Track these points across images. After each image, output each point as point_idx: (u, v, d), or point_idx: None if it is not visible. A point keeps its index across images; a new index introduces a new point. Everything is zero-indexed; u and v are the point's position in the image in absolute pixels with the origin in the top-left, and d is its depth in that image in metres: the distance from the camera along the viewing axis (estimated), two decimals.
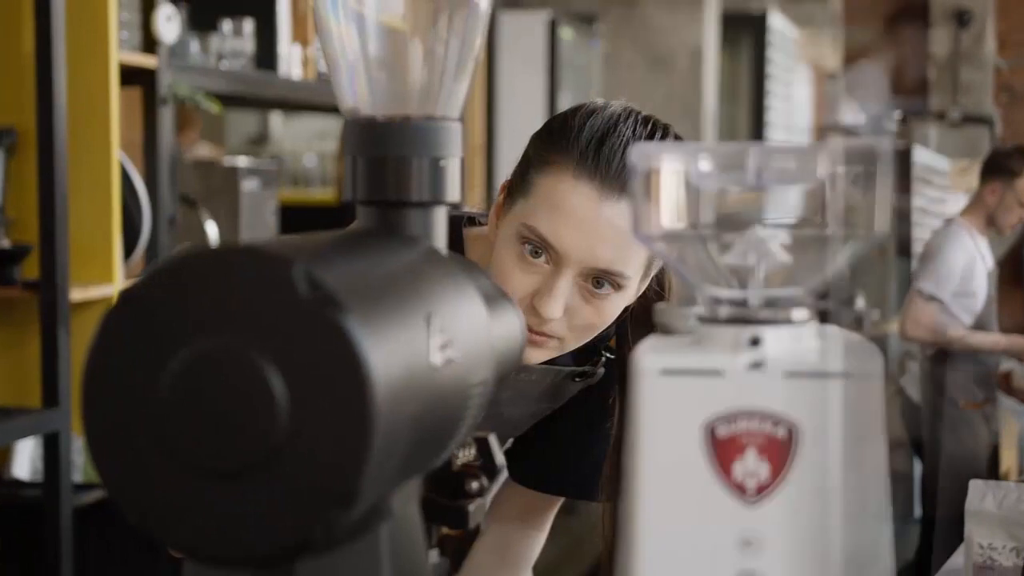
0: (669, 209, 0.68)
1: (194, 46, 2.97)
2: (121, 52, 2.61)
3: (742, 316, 0.67)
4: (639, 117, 1.27)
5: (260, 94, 3.31)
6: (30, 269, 2.42)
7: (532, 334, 1.26)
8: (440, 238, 0.76)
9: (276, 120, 6.29)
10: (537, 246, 1.24)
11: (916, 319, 4.39)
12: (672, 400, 0.65)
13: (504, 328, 0.81)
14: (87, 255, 2.50)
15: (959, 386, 4.39)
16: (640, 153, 0.67)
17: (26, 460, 2.91)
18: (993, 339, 4.59)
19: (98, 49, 2.51)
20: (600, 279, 1.24)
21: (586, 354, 1.42)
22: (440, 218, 0.77)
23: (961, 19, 8.29)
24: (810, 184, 0.67)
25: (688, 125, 5.68)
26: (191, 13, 3.01)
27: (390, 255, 0.70)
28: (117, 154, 2.55)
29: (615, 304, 1.27)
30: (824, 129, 8.15)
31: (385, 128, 0.74)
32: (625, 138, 1.24)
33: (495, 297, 0.81)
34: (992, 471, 4.39)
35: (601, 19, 5.69)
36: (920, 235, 7.01)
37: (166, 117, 2.76)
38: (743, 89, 7.33)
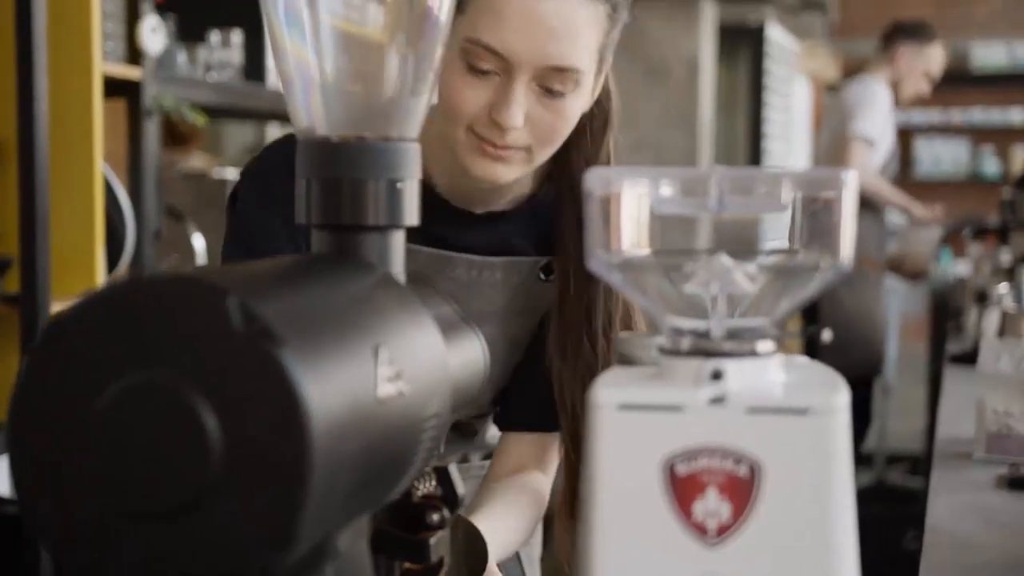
0: (629, 235, 0.65)
1: (181, 57, 2.94)
2: (105, 63, 2.58)
3: (704, 348, 0.64)
4: None
5: (248, 106, 3.28)
6: (11, 282, 2.39)
7: (497, 149, 1.24)
8: (397, 263, 0.74)
9: (273, 130, 6.26)
10: (483, 59, 1.22)
11: (862, 168, 4.30)
12: (630, 436, 0.63)
13: (463, 356, 0.78)
14: (69, 268, 2.47)
15: (863, 243, 4.36)
16: (598, 177, 0.65)
17: (6, 476, 2.88)
18: (905, 199, 4.63)
19: (81, 60, 2.48)
20: (554, 81, 1.23)
21: (548, 245, 1.40)
22: (398, 242, 0.74)
23: None
24: (774, 211, 0.64)
25: (685, 137, 5.66)
26: (179, 24, 2.98)
27: (340, 283, 0.67)
28: (100, 166, 2.52)
29: (573, 105, 1.26)
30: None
31: (340, 149, 0.72)
32: None
33: (454, 325, 0.79)
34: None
35: None
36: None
37: (151, 129, 2.74)
38: (741, 101, 7.30)
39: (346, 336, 0.61)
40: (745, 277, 0.64)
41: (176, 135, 3.75)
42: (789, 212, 0.64)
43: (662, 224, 0.66)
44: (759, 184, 0.64)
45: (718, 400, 0.62)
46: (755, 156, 7.24)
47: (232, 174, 3.26)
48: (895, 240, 4.67)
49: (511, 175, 1.28)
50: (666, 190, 0.65)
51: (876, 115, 4.32)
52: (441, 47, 0.75)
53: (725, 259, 0.64)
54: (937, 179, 9.33)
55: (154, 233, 2.73)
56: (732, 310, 0.65)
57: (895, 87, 4.43)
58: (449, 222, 1.37)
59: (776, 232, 0.66)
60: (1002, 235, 3.92)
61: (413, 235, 1.25)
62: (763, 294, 0.65)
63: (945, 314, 4.44)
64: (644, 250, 0.66)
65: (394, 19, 0.76)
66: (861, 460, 5.16)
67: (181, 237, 2.95)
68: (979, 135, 9.42)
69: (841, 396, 0.62)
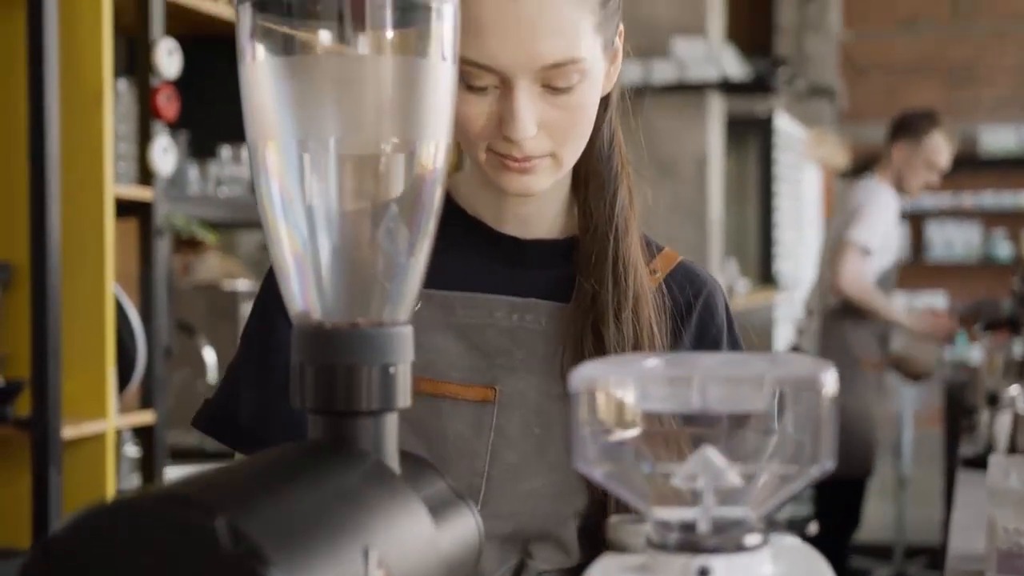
0: (613, 432, 0.66)
1: (192, 172, 2.98)
2: (117, 185, 2.61)
3: (691, 543, 0.65)
4: None
5: (259, 218, 3.30)
6: (22, 406, 2.41)
7: (519, 163, 1.17)
8: (390, 446, 0.75)
9: None
10: (476, 77, 1.13)
11: (853, 274, 4.30)
12: None
13: (455, 535, 0.78)
14: (80, 391, 2.49)
15: (861, 343, 4.34)
16: (582, 377, 0.66)
17: None
18: (910, 318, 4.60)
19: (94, 183, 2.52)
20: (556, 79, 1.14)
21: None
22: (391, 425, 0.75)
23: None
24: (756, 407, 0.65)
25: (695, 230, 5.68)
26: (190, 140, 3.03)
27: (330, 480, 0.68)
28: (112, 288, 2.55)
29: (586, 94, 1.17)
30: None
31: (334, 336, 0.73)
32: None
33: (447, 502, 0.79)
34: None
35: None
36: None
37: (162, 248, 2.76)
38: (751, 191, 7.35)
39: (336, 542, 0.62)
40: (733, 473, 0.65)
41: (190, 239, 3.79)
42: (772, 409, 0.65)
43: (648, 417, 0.67)
44: (741, 382, 0.65)
45: None
46: (766, 246, 7.26)
47: (243, 286, 3.28)
48: (900, 335, 4.66)
49: (543, 184, 1.20)
50: (650, 387, 0.66)
51: (879, 224, 4.33)
52: (441, 190, 0.74)
53: (712, 454, 0.65)
54: (949, 263, 9.35)
55: (165, 350, 2.74)
56: (719, 498, 0.66)
57: (899, 182, 4.45)
58: (494, 253, 1.28)
59: (760, 427, 0.66)
60: (1014, 326, 3.91)
61: (452, 280, 1.10)
62: (749, 487, 0.66)
63: (958, 410, 4.42)
64: (629, 445, 0.66)
65: (391, 189, 0.76)
66: (872, 552, 5.12)
67: (192, 351, 2.97)
68: (990, 218, 9.45)
69: None
